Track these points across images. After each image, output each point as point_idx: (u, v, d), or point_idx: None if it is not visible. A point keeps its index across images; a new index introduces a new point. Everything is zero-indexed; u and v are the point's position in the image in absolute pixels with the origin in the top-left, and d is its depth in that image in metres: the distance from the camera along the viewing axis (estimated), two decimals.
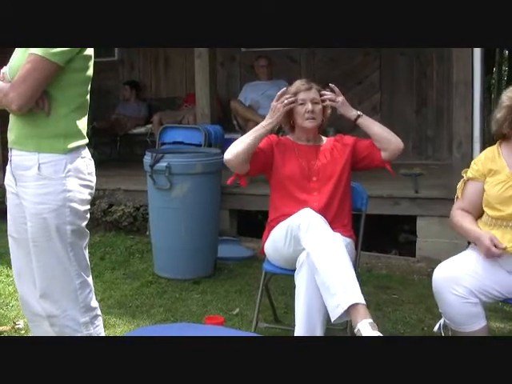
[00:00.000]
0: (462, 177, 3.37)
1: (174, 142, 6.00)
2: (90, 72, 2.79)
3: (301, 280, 3.24)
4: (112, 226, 6.17)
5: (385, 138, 3.63)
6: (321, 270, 3.14)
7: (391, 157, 3.67)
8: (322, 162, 3.66)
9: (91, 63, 2.78)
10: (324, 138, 3.81)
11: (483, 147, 5.29)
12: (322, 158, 3.67)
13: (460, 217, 3.30)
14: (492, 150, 3.29)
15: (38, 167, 2.69)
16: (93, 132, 7.87)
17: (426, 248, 5.55)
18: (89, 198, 2.86)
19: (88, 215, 2.88)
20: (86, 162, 2.83)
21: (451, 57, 5.58)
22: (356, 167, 3.75)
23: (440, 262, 5.25)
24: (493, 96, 10.55)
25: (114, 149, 8.60)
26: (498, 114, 3.21)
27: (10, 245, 2.99)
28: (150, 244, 5.42)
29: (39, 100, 2.66)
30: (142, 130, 8.33)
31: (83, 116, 2.82)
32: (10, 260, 3.02)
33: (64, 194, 2.72)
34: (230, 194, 5.97)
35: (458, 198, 3.39)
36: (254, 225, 6.07)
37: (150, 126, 8.11)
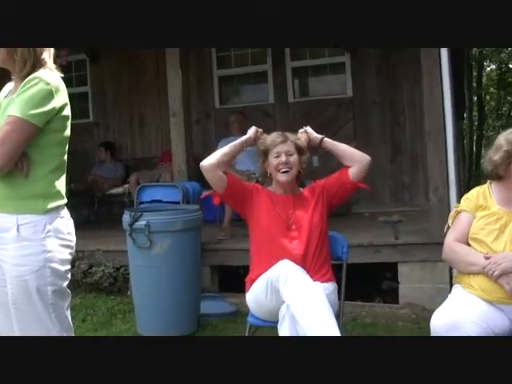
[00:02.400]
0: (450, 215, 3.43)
1: (152, 201, 5.99)
2: (68, 132, 2.79)
3: (284, 331, 3.22)
4: (92, 287, 6.11)
5: (350, 154, 3.81)
6: (301, 321, 3.13)
7: (360, 171, 3.75)
8: (298, 211, 3.70)
9: (69, 123, 2.79)
10: (300, 189, 3.85)
11: (460, 190, 5.36)
12: (299, 207, 3.71)
13: (459, 246, 3.30)
14: (483, 188, 3.37)
15: (17, 228, 2.66)
16: (70, 194, 7.76)
17: (409, 294, 5.54)
18: (69, 257, 2.82)
19: (69, 275, 2.84)
20: (65, 222, 2.80)
21: (422, 104, 5.67)
22: (334, 203, 3.82)
23: (423, 307, 5.38)
24: (465, 140, 10.73)
25: (92, 210, 8.58)
26: (495, 156, 3.26)
27: None
28: (131, 304, 5.36)
29: (18, 161, 2.64)
30: (119, 190, 8.33)
31: (61, 176, 2.80)
32: None
33: (44, 254, 2.68)
34: (210, 251, 5.96)
35: (448, 228, 3.42)
36: (236, 280, 6.04)
37: (127, 186, 8.12)
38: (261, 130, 3.92)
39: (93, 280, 6.08)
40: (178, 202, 5.88)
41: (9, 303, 2.75)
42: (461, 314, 3.03)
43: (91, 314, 5.57)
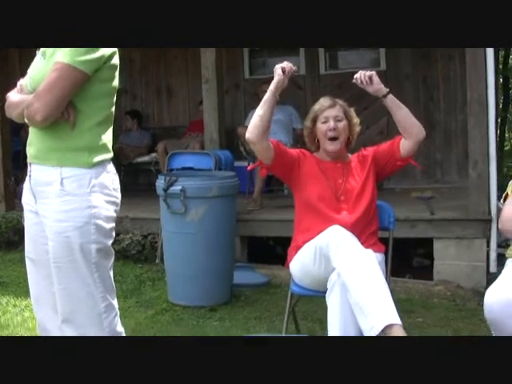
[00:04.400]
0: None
1: (183, 168, 5.88)
2: (116, 83, 2.66)
3: (333, 301, 3.10)
4: (120, 254, 6.00)
5: (410, 122, 3.49)
6: (353, 290, 3.00)
7: (414, 145, 3.51)
8: (348, 180, 3.55)
9: (117, 73, 2.65)
10: (349, 155, 3.71)
11: (499, 165, 5.22)
12: (348, 176, 3.56)
13: None
14: None
15: (61, 182, 2.54)
16: None
17: (444, 271, 5.43)
18: (114, 215, 2.69)
19: (113, 233, 2.71)
20: (111, 177, 2.68)
21: (457, 80, 5.53)
22: (380, 176, 3.66)
23: (458, 285, 5.27)
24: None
25: (118, 178, 8.47)
26: None
27: (27, 268, 2.82)
28: (160, 272, 5.29)
29: (64, 111, 2.52)
30: (145, 158, 8.23)
31: (108, 129, 2.68)
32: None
33: (89, 210, 2.56)
34: (240, 221, 5.86)
35: (507, 197, 3.27)
36: (265, 251, 5.97)
37: (154, 154, 8.02)
38: (291, 65, 3.63)
39: (120, 247, 5.98)
40: (209, 170, 5.77)
41: (49, 262, 2.63)
42: None
43: (120, 282, 5.47)
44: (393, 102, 3.49)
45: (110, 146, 2.70)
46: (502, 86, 11.91)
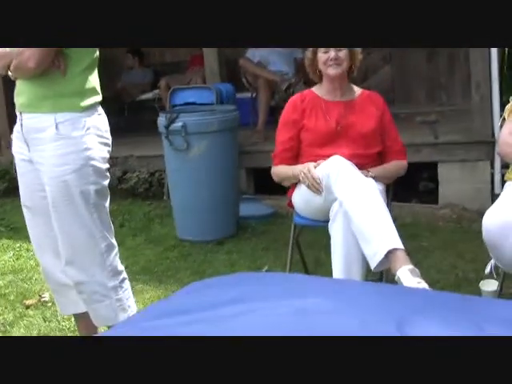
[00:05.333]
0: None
1: (186, 104, 5.86)
2: None
3: (336, 230, 3.13)
4: (128, 193, 6.08)
5: (389, 181, 3.65)
6: (355, 218, 3.02)
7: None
8: (352, 119, 3.51)
9: None
10: (356, 90, 3.67)
11: (501, 88, 5.18)
12: (353, 115, 3.53)
13: None
14: None
15: (56, 127, 2.60)
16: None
17: (449, 194, 5.44)
18: (108, 156, 2.77)
19: (108, 174, 2.79)
20: (102, 119, 2.76)
21: None
22: None
23: (464, 207, 5.29)
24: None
25: (122, 117, 8.45)
26: None
27: (25, 216, 2.88)
28: (168, 208, 5.34)
29: (55, 59, 2.56)
30: (149, 95, 8.19)
31: (95, 73, 2.74)
32: (28, 234, 2.91)
33: (85, 152, 2.63)
34: (245, 153, 5.87)
35: (504, 121, 3.23)
36: (271, 182, 5.98)
37: (156, 91, 7.97)
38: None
39: (128, 186, 6.04)
40: (211, 104, 5.75)
41: (47, 208, 2.69)
42: None
43: (128, 220, 5.56)
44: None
45: (98, 89, 2.75)
46: None
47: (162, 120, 4.87)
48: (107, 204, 2.80)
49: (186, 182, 4.87)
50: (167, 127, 4.78)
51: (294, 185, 3.55)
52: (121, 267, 2.85)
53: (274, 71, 6.68)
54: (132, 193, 6.06)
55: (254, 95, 6.83)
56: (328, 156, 3.33)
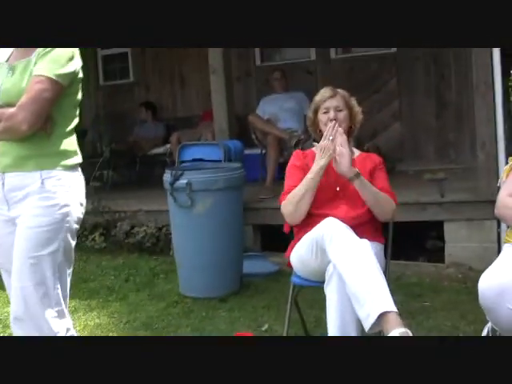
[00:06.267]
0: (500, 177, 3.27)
1: (194, 160, 5.91)
2: (80, 95, 2.84)
3: (331, 292, 3.13)
4: (135, 247, 6.12)
5: (374, 205, 3.46)
6: (349, 280, 3.03)
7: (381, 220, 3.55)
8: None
9: (80, 86, 2.83)
10: (356, 151, 3.71)
11: (508, 147, 5.20)
12: None
13: None
14: None
15: (42, 182, 2.67)
16: (111, 154, 7.92)
17: (455, 253, 5.43)
18: (81, 217, 2.84)
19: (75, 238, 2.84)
20: (82, 180, 2.86)
21: (469, 57, 5.49)
22: None
23: (470, 267, 5.27)
24: (511, 97, 10.41)
25: (134, 170, 8.56)
26: None
27: (4, 281, 2.89)
28: (173, 264, 5.35)
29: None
30: (160, 150, 8.31)
31: (74, 136, 2.85)
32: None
33: (65, 208, 2.70)
34: (252, 209, 5.91)
35: (502, 182, 3.25)
36: (279, 239, 5.98)
37: (168, 145, 8.07)
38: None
39: (135, 240, 6.08)
40: (219, 161, 5.81)
41: (15, 256, 2.67)
42: (511, 275, 2.86)
43: (134, 275, 5.57)
44: (360, 185, 3.41)
45: (79, 151, 2.86)
46: None
47: (167, 177, 4.93)
48: (70, 271, 2.80)
49: (190, 238, 4.89)
50: (172, 184, 4.82)
51: (293, 243, 3.57)
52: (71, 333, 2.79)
53: (284, 128, 6.76)
54: (139, 247, 6.09)
55: (263, 151, 6.89)
56: (326, 216, 3.35)
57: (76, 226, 2.79)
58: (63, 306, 2.75)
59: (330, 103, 3.59)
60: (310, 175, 3.44)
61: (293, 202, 3.47)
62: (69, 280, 2.80)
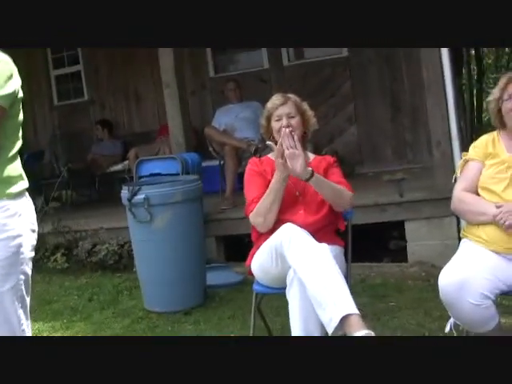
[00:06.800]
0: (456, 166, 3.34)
1: (152, 175, 5.89)
2: (22, 116, 2.67)
3: (293, 297, 3.12)
4: (98, 266, 6.06)
5: (332, 200, 3.45)
6: (309, 285, 3.03)
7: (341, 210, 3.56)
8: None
9: (21, 107, 2.67)
10: (311, 155, 3.70)
11: (463, 145, 5.25)
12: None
13: (468, 196, 3.20)
14: (492, 136, 3.28)
15: None
16: (70, 174, 7.84)
17: (418, 252, 5.47)
18: (35, 243, 2.70)
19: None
20: (31, 206, 2.70)
21: (419, 57, 5.54)
22: None
23: (433, 264, 5.30)
24: (465, 96, 10.56)
25: (93, 189, 8.51)
26: (491, 104, 3.26)
27: None
28: (137, 280, 5.30)
29: None
30: (119, 167, 8.26)
31: (19, 160, 2.68)
32: None
33: (17, 239, 2.55)
34: (214, 221, 5.91)
35: (457, 177, 3.33)
36: (243, 249, 5.97)
37: (126, 162, 8.03)
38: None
39: (97, 259, 6.02)
40: (177, 174, 5.78)
41: None
42: (469, 270, 2.92)
43: (97, 293, 5.51)
44: (317, 183, 3.39)
45: (24, 175, 2.68)
46: (474, 56, 11.92)
47: (124, 193, 4.89)
48: (29, 299, 2.68)
49: (151, 253, 4.86)
50: (130, 200, 4.79)
51: (253, 252, 3.56)
52: None
53: (241, 138, 6.75)
54: (102, 265, 6.03)
55: (221, 163, 6.87)
56: (285, 222, 3.35)
57: (32, 254, 2.65)
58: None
59: (282, 110, 3.58)
60: (275, 185, 3.40)
61: (261, 214, 3.45)
62: (28, 310, 2.69)
